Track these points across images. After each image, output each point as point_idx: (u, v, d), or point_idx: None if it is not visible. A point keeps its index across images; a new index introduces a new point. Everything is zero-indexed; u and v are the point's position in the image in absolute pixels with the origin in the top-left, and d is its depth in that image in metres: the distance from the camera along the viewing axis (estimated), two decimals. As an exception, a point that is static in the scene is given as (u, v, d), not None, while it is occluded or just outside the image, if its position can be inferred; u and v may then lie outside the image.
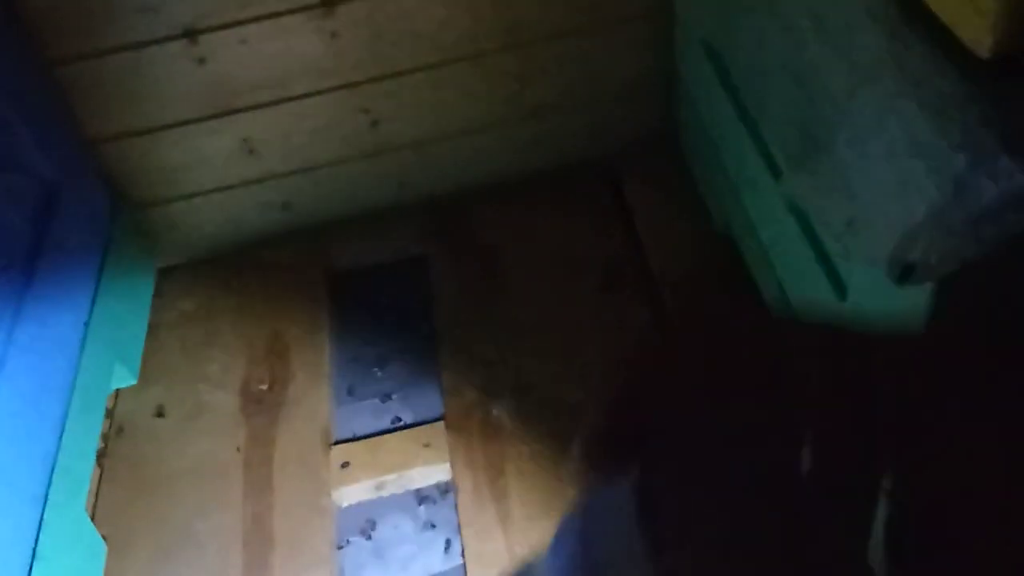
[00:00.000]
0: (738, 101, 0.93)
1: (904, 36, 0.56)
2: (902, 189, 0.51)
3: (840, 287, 0.73)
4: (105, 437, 1.07)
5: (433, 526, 0.96)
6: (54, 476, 0.88)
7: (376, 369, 1.13)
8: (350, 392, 1.11)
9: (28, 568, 0.82)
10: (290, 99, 1.17)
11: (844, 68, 0.62)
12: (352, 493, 1.00)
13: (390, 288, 1.22)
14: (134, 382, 1.13)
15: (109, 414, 1.09)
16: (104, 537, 0.96)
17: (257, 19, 1.09)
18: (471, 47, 1.16)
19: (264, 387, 1.11)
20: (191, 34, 1.08)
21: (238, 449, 1.05)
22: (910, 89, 0.53)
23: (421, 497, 0.99)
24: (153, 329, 1.19)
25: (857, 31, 0.61)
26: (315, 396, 1.10)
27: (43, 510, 0.85)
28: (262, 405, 1.09)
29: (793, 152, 0.77)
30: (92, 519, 0.97)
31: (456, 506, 0.96)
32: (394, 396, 1.10)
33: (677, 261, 1.13)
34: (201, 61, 1.10)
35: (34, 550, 0.83)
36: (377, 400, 1.10)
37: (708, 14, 0.99)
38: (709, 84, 1.02)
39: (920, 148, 0.50)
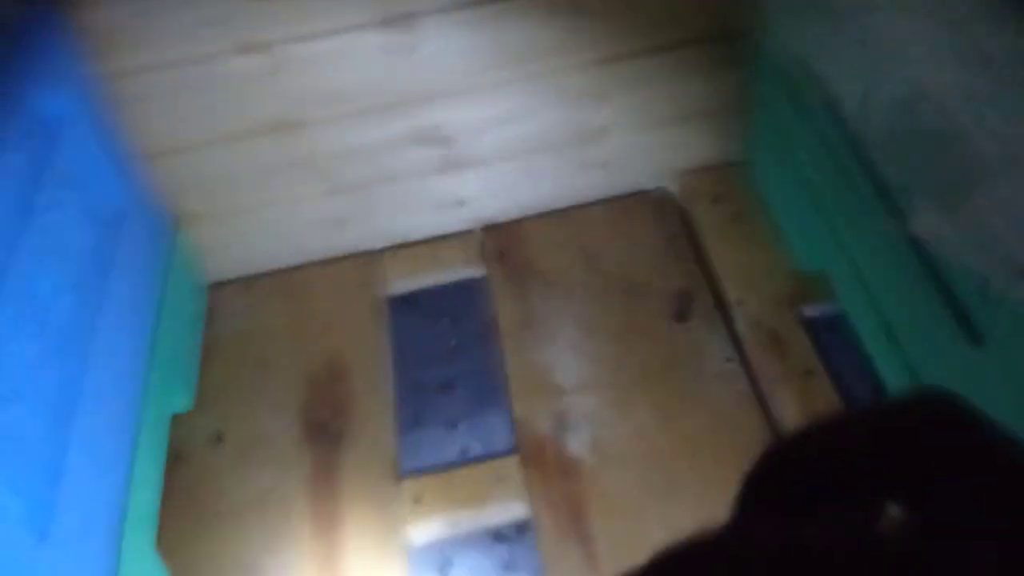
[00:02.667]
0: (840, 126, 0.90)
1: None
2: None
3: (973, 333, 0.70)
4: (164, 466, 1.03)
5: (514, 568, 0.93)
6: (129, 510, 0.85)
7: (441, 395, 1.10)
8: (415, 419, 1.07)
9: (102, 610, 0.78)
10: (351, 115, 1.13)
11: (1001, 96, 0.59)
12: (426, 530, 0.96)
13: (450, 311, 1.19)
14: (191, 407, 1.09)
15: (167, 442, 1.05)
16: (169, 571, 0.92)
17: (321, 34, 1.05)
18: (540, 65, 1.13)
19: (326, 414, 1.07)
20: (254, 48, 1.04)
21: (302, 480, 1.01)
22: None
23: (498, 536, 0.96)
24: (207, 351, 1.15)
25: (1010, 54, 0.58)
26: (379, 423, 1.06)
27: (119, 546, 0.81)
28: (325, 433, 1.06)
29: (928, 191, 0.74)
30: (158, 551, 0.93)
31: (537, 546, 0.93)
32: (460, 425, 1.06)
33: (753, 290, 1.10)
34: (263, 76, 1.07)
35: (109, 589, 0.79)
36: (443, 429, 1.06)
37: (796, 31, 0.96)
38: (798, 108, 0.99)
39: None
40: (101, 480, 0.81)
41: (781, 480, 0.23)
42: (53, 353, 0.79)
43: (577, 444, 1.00)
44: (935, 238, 0.69)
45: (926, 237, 0.69)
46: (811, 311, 1.06)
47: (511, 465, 1.00)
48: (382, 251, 1.24)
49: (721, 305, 1.11)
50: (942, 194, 0.68)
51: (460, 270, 1.22)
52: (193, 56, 1.04)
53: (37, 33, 0.89)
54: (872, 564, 0.19)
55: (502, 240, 1.23)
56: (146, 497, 0.90)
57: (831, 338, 1.04)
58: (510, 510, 0.97)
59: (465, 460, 1.02)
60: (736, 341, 1.07)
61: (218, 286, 1.23)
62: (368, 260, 1.24)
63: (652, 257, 1.18)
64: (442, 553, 0.95)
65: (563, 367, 1.08)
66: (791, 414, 0.97)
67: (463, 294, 1.20)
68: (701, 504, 0.92)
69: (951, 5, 0.61)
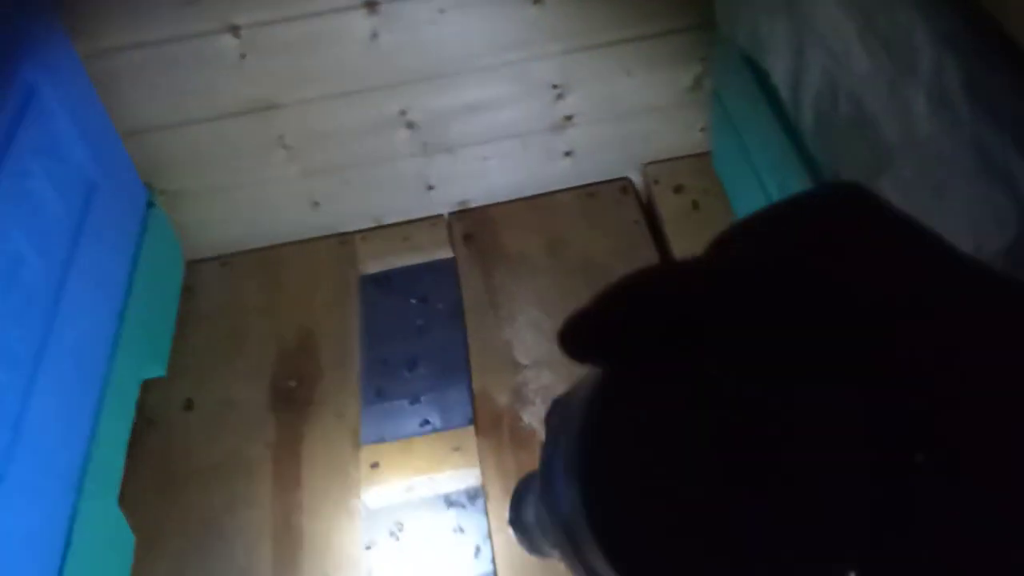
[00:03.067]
0: (782, 116, 0.94)
1: (979, 57, 0.56)
2: (978, 215, 0.52)
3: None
4: (134, 429, 1.07)
5: (462, 530, 0.96)
6: (89, 466, 0.88)
7: (405, 371, 1.13)
8: (379, 393, 1.11)
9: (62, 556, 0.82)
10: (327, 98, 1.17)
11: (912, 90, 0.62)
12: (381, 494, 1.00)
13: (418, 291, 1.23)
14: (163, 374, 1.13)
15: (138, 406, 1.09)
16: (132, 528, 0.96)
17: (299, 17, 1.09)
18: (511, 54, 1.17)
19: (293, 384, 1.11)
20: (232, 29, 1.08)
21: (267, 445, 1.05)
22: (987, 116, 0.53)
23: (450, 501, 0.99)
24: (182, 322, 1.19)
25: (922, 47, 0.62)
26: (344, 396, 1.10)
27: (77, 500, 0.85)
28: (291, 402, 1.09)
29: (848, 174, 0.78)
30: (123, 509, 0.97)
31: (487, 512, 0.96)
32: (423, 399, 1.10)
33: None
34: (242, 56, 1.11)
35: (68, 539, 0.83)
36: (406, 402, 1.10)
37: (744, 23, 1.00)
38: (748, 98, 1.02)
39: (999, 173, 0.51)
40: (61, 434, 0.85)
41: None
42: (19, 312, 0.83)
43: (530, 417, 1.03)
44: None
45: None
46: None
47: (467, 436, 1.03)
48: (355, 233, 1.28)
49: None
50: (859, 176, 0.72)
51: (430, 252, 1.25)
52: (173, 36, 1.08)
53: (19, 7, 0.93)
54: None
55: (471, 224, 1.27)
56: (110, 455, 0.94)
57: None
58: (464, 478, 1.00)
59: (424, 432, 1.06)
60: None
61: (196, 263, 1.27)
62: (342, 241, 1.28)
63: (614, 243, 1.21)
64: (395, 516, 0.99)
65: (522, 344, 1.11)
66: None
67: (432, 275, 1.24)
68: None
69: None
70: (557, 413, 0.25)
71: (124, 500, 1.00)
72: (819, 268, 0.20)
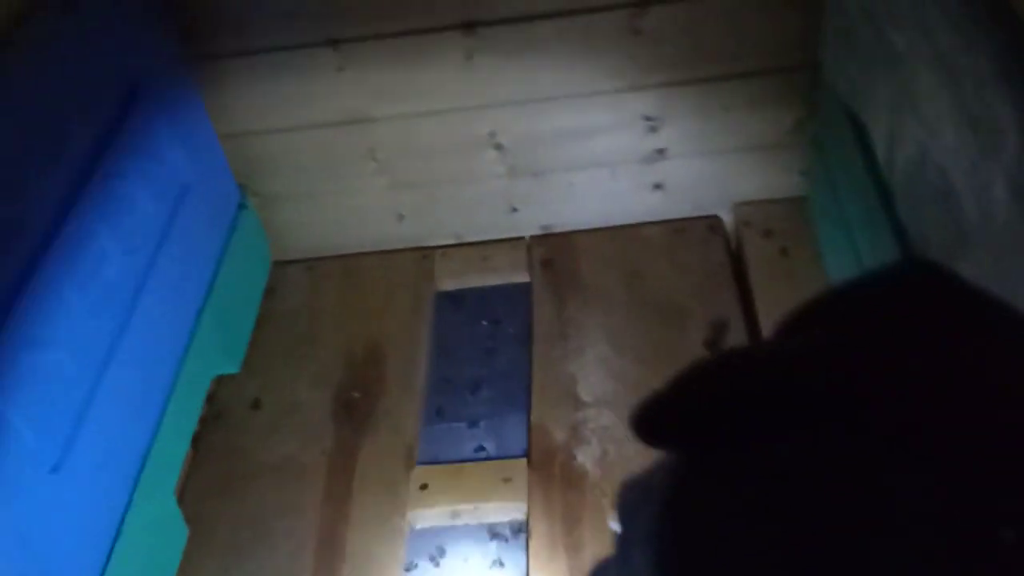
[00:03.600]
0: (877, 173, 0.89)
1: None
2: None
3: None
4: (203, 421, 1.10)
5: (502, 564, 0.95)
6: (150, 456, 0.92)
7: (467, 393, 1.13)
8: (439, 413, 1.11)
9: (111, 543, 0.85)
10: (419, 115, 1.18)
11: (994, 172, 0.58)
12: (427, 517, 1.00)
13: (491, 313, 1.22)
14: (236, 371, 1.16)
15: (209, 399, 1.13)
16: (187, 521, 0.99)
17: (397, 34, 1.10)
18: (606, 83, 1.15)
19: (357, 395, 1.13)
20: (332, 43, 1.11)
21: (323, 453, 1.07)
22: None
23: (494, 533, 0.98)
24: (262, 322, 1.23)
25: (1007, 130, 0.57)
26: (404, 412, 1.10)
27: (132, 491, 0.89)
28: (352, 413, 1.11)
29: (934, 243, 0.73)
30: (180, 500, 1.00)
31: (528, 549, 0.95)
32: (481, 423, 1.09)
33: (788, 328, 1.08)
34: (339, 69, 1.13)
35: (119, 529, 0.86)
36: (464, 425, 1.09)
37: (847, 72, 0.95)
38: (845, 149, 0.97)
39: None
40: (125, 427, 0.89)
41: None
42: (99, 306, 0.87)
43: (585, 457, 1.02)
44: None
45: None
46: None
47: (519, 468, 1.02)
48: (435, 248, 1.29)
49: (755, 337, 1.10)
50: (942, 249, 0.67)
51: (507, 274, 1.25)
52: (276, 46, 1.11)
53: (129, 11, 0.97)
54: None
55: (551, 249, 1.26)
56: (172, 447, 0.97)
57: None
58: (510, 511, 0.99)
59: (477, 458, 1.06)
60: (761, 375, 1.06)
61: (281, 264, 1.31)
62: (422, 255, 1.29)
63: (695, 283, 1.18)
64: (438, 541, 0.98)
65: (587, 381, 1.09)
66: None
67: (506, 298, 1.23)
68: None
69: (954, 61, 0.60)
70: (630, 493, 0.25)
71: (184, 493, 1.04)
72: (896, 356, 0.20)
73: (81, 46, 0.87)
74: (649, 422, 0.22)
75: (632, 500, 0.25)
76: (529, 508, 0.98)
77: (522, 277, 1.24)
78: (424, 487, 1.02)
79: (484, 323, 1.21)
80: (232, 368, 1.16)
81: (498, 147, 1.21)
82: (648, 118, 1.18)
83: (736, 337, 1.10)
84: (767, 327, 1.10)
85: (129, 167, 0.94)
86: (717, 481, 0.21)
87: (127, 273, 0.93)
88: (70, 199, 0.85)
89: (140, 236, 0.96)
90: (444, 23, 1.09)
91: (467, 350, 1.18)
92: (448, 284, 1.25)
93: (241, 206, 1.20)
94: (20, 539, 0.72)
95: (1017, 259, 0.53)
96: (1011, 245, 0.53)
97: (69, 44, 0.85)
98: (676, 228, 1.25)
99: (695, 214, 1.26)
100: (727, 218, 1.26)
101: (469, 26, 1.09)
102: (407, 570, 0.96)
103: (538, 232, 1.29)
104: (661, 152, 1.21)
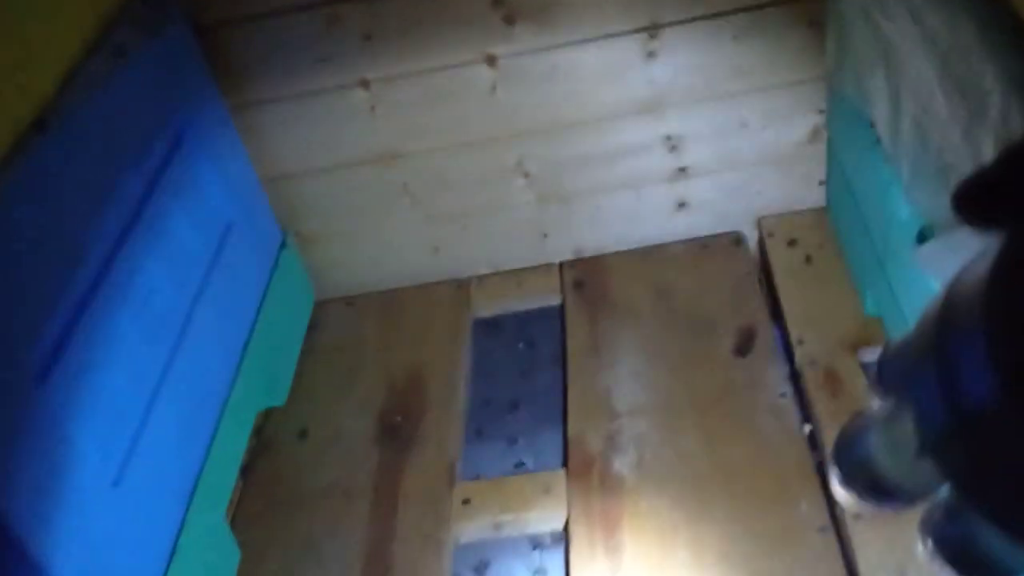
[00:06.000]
0: (887, 167, 0.91)
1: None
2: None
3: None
4: (252, 452, 1.14)
5: (545, 573, 0.97)
6: (200, 481, 0.96)
7: (506, 413, 1.16)
8: (478, 433, 1.14)
9: (168, 561, 0.88)
10: (448, 148, 1.23)
11: (982, 135, 0.60)
12: (470, 531, 1.02)
13: (526, 335, 1.26)
14: (283, 403, 1.20)
15: (257, 432, 1.17)
16: (240, 544, 1.03)
17: (425, 72, 1.16)
18: (626, 107, 1.19)
19: (399, 419, 1.16)
20: (364, 83, 1.17)
21: (369, 476, 1.10)
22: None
23: (535, 543, 1.00)
24: (305, 356, 1.27)
25: (992, 91, 0.59)
26: (445, 433, 1.13)
27: (186, 512, 0.93)
28: (395, 436, 1.14)
29: (942, 226, 0.75)
30: (231, 527, 1.04)
31: (567, 555, 0.97)
32: (520, 440, 1.12)
33: (816, 331, 1.10)
34: (372, 109, 1.19)
35: (174, 547, 0.90)
36: (503, 443, 1.12)
37: (850, 73, 0.98)
38: (857, 149, 1.00)
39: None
40: (177, 449, 0.93)
41: None
42: (149, 334, 0.92)
43: (622, 463, 1.03)
44: (935, 270, 0.69)
45: (926, 268, 0.70)
46: (871, 355, 1.05)
47: (558, 478, 1.04)
48: (470, 278, 1.33)
49: (784, 343, 1.12)
50: (950, 230, 0.69)
51: (540, 298, 1.29)
52: (311, 90, 1.18)
53: (171, 59, 1.04)
54: None
55: (582, 272, 1.29)
56: (222, 473, 1.01)
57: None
58: (550, 520, 1.01)
59: (517, 472, 1.08)
60: (793, 378, 1.07)
61: (325, 302, 1.36)
62: (458, 285, 1.33)
63: (723, 295, 1.20)
64: (481, 554, 1.00)
65: (621, 392, 1.12)
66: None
67: (540, 320, 1.27)
68: (729, 529, 0.93)
69: (940, 36, 0.63)
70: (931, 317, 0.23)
71: (235, 518, 1.08)
72: None
73: (132, 91, 0.94)
74: (977, 196, 0.20)
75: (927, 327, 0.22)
76: (569, 516, 1.00)
77: (555, 300, 1.28)
78: (466, 502, 1.04)
79: (520, 345, 1.25)
80: (278, 401, 1.21)
81: (526, 175, 1.25)
82: (668, 138, 1.22)
83: (764, 342, 1.12)
84: (792, 330, 1.11)
85: (175, 207, 1.00)
86: None
87: (176, 305, 0.98)
88: (122, 236, 0.91)
89: (187, 271, 1.02)
90: (467, 58, 1.15)
91: (504, 372, 1.21)
92: (484, 311, 1.29)
93: (283, 246, 1.26)
94: (88, 548, 0.76)
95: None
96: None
97: (121, 89, 0.92)
98: (702, 244, 1.28)
99: (719, 230, 1.29)
100: (751, 232, 1.28)
101: (492, 59, 1.15)
102: (453, 582, 0.98)
103: (569, 256, 1.32)
104: (683, 171, 1.25)
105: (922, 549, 0.27)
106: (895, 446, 0.26)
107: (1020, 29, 0.54)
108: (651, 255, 1.29)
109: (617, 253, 1.30)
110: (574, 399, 1.12)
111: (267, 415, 1.19)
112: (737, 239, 1.27)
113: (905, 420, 0.24)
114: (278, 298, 1.21)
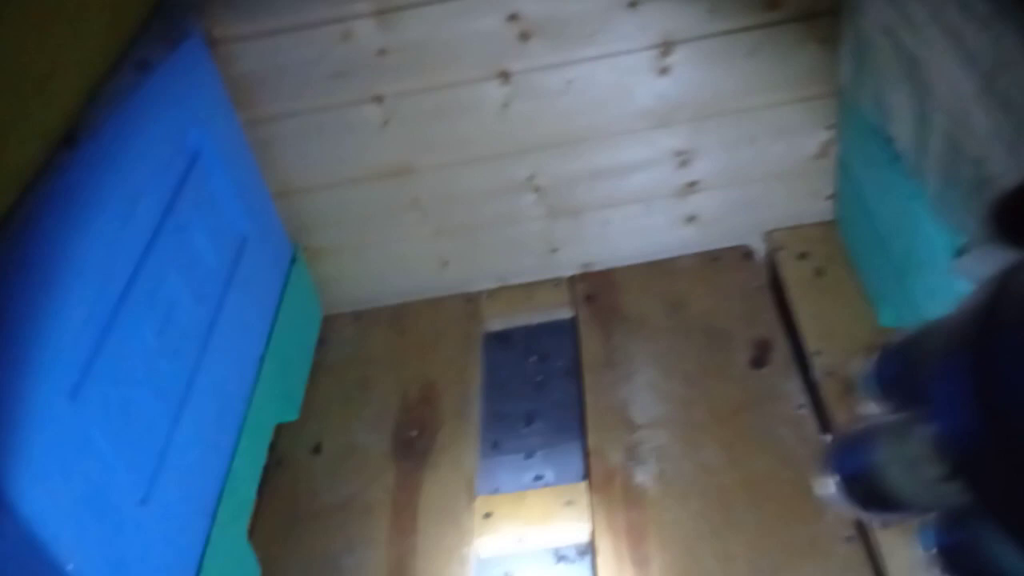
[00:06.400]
0: (907, 182, 0.93)
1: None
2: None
3: None
4: (267, 468, 1.13)
5: (570, 585, 0.97)
6: (223, 497, 0.95)
7: (522, 426, 1.16)
8: (495, 446, 1.14)
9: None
10: (460, 163, 1.24)
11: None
12: (492, 544, 1.02)
13: (539, 348, 1.26)
14: (296, 418, 1.19)
15: (271, 447, 1.16)
16: (259, 563, 1.02)
17: (437, 87, 1.17)
18: (637, 122, 1.20)
19: (414, 433, 1.16)
20: (376, 99, 1.17)
21: (386, 491, 1.09)
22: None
23: (559, 555, 1.00)
24: (316, 371, 1.26)
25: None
26: (462, 447, 1.13)
27: (211, 527, 0.92)
28: (411, 451, 1.14)
29: (976, 234, 0.76)
30: (251, 542, 1.03)
31: (594, 567, 0.97)
32: (538, 453, 1.12)
33: (832, 342, 1.11)
34: (384, 123, 1.19)
35: (200, 563, 0.89)
36: (521, 456, 1.12)
37: (869, 91, 1.00)
38: (874, 165, 1.02)
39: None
40: (201, 464, 0.92)
41: None
42: (173, 349, 0.91)
43: (644, 476, 1.04)
44: (974, 279, 0.71)
45: (966, 277, 0.71)
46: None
47: (580, 491, 1.04)
48: (480, 292, 1.33)
49: (799, 355, 1.13)
50: (981, 238, 0.70)
51: (551, 311, 1.29)
52: (324, 105, 1.17)
53: (189, 74, 1.04)
54: None
55: (592, 285, 1.30)
56: (242, 489, 1.00)
57: (906, 391, 1.04)
58: (574, 533, 1.01)
59: (537, 486, 1.08)
60: (810, 389, 1.08)
61: (332, 317, 1.35)
62: (468, 299, 1.33)
63: (736, 307, 1.21)
64: (504, 567, 1.00)
65: (639, 404, 1.12)
66: (858, 462, 0.98)
67: (552, 334, 1.27)
68: (755, 540, 0.94)
69: (977, 50, 0.64)
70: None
71: (253, 535, 1.06)
72: None
73: (154, 105, 0.93)
74: (1012, 212, 0.19)
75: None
76: (593, 528, 1.00)
77: (566, 313, 1.28)
78: (488, 516, 1.04)
79: (533, 359, 1.25)
80: (291, 416, 1.20)
81: (536, 190, 1.26)
82: (679, 153, 1.23)
83: (780, 354, 1.13)
84: (809, 341, 1.12)
85: (194, 220, 1.00)
86: None
87: (197, 319, 0.97)
88: (146, 250, 0.90)
89: (206, 285, 1.01)
90: (481, 74, 1.15)
91: (518, 385, 1.21)
92: (495, 324, 1.29)
93: (294, 260, 1.26)
94: (119, 567, 0.75)
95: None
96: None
97: (145, 102, 0.91)
98: (712, 258, 1.29)
99: (729, 244, 1.30)
100: (760, 246, 1.30)
101: (504, 75, 1.15)
102: (477, 597, 0.98)
103: (578, 271, 1.33)
104: (693, 185, 1.26)
105: (922, 554, 0.26)
106: (909, 462, 0.25)
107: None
108: (661, 268, 1.30)
109: (627, 267, 1.31)
110: (592, 411, 1.13)
111: (280, 430, 1.18)
112: (747, 252, 1.29)
113: (920, 434, 0.22)
114: (289, 312, 1.20)
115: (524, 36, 1.13)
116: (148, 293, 0.89)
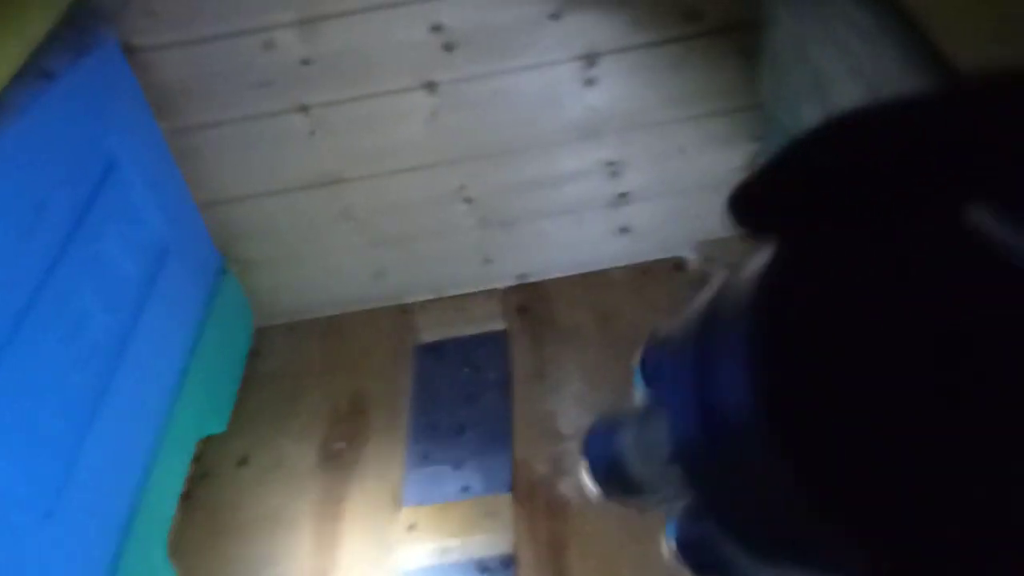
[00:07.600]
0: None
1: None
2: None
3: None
4: (191, 480, 1.12)
5: (491, 597, 0.97)
6: (138, 511, 0.93)
7: (452, 437, 1.16)
8: (425, 457, 1.13)
9: (103, 597, 0.86)
10: (390, 173, 1.23)
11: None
12: (416, 556, 1.01)
13: (471, 360, 1.26)
14: (223, 431, 1.18)
15: (197, 459, 1.14)
16: (179, 574, 1.00)
17: (364, 97, 1.16)
18: (567, 133, 1.21)
19: (342, 445, 1.15)
20: (302, 108, 1.16)
21: (311, 503, 1.08)
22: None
23: (483, 567, 1.00)
24: (246, 383, 1.25)
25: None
26: (389, 458, 1.12)
27: (123, 542, 0.90)
28: (338, 463, 1.13)
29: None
30: (171, 555, 1.01)
31: (515, 578, 0.96)
32: (466, 465, 1.12)
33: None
34: (311, 133, 1.18)
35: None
36: (449, 467, 1.12)
37: (785, 103, 1.01)
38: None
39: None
40: (114, 479, 0.91)
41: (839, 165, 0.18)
42: (81, 362, 0.90)
43: (567, 487, 1.04)
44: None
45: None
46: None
47: (504, 503, 1.04)
48: (415, 300, 1.33)
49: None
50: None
51: (484, 323, 1.29)
52: (249, 115, 1.17)
53: (102, 83, 1.03)
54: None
55: (525, 297, 1.30)
56: (160, 503, 0.99)
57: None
58: (497, 544, 1.01)
59: (464, 497, 1.07)
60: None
61: (265, 328, 1.34)
62: (402, 310, 1.32)
63: (663, 318, 1.21)
64: (427, 579, 0.99)
65: (566, 415, 1.12)
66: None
67: (485, 345, 1.27)
68: (674, 548, 0.94)
69: (863, 61, 0.66)
70: (697, 312, 0.22)
71: (175, 547, 1.05)
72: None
73: (60, 115, 0.92)
74: (748, 201, 0.19)
75: (679, 332, 0.21)
76: (516, 540, 1.00)
77: (499, 325, 1.28)
78: (412, 527, 1.03)
79: (465, 370, 1.24)
80: (218, 428, 1.18)
81: (468, 200, 1.26)
82: (609, 163, 1.24)
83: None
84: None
85: (108, 230, 0.98)
86: (833, 267, 0.17)
87: (110, 331, 0.96)
88: (55, 261, 0.89)
89: (122, 296, 1.00)
90: (407, 84, 1.15)
91: (450, 397, 1.21)
92: (428, 336, 1.29)
93: (222, 272, 1.24)
94: (13, 582, 0.73)
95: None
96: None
97: (49, 112, 0.90)
98: (643, 270, 1.30)
99: (661, 255, 1.31)
100: (692, 256, 1.30)
101: (431, 85, 1.15)
102: (398, 610, 0.97)
103: (512, 282, 1.33)
104: (624, 196, 1.27)
105: (664, 548, 0.25)
106: (647, 449, 0.25)
107: (938, 57, 0.56)
108: (594, 280, 1.30)
109: (560, 278, 1.31)
110: (519, 423, 1.12)
111: (207, 443, 1.17)
112: (678, 263, 1.29)
113: (659, 421, 0.23)
114: (217, 324, 1.19)
115: (448, 47, 1.13)
116: (55, 304, 0.87)
